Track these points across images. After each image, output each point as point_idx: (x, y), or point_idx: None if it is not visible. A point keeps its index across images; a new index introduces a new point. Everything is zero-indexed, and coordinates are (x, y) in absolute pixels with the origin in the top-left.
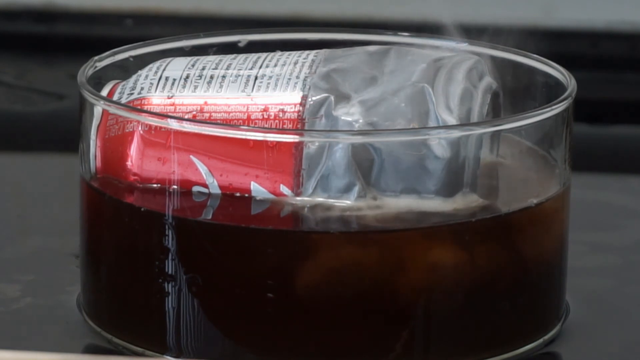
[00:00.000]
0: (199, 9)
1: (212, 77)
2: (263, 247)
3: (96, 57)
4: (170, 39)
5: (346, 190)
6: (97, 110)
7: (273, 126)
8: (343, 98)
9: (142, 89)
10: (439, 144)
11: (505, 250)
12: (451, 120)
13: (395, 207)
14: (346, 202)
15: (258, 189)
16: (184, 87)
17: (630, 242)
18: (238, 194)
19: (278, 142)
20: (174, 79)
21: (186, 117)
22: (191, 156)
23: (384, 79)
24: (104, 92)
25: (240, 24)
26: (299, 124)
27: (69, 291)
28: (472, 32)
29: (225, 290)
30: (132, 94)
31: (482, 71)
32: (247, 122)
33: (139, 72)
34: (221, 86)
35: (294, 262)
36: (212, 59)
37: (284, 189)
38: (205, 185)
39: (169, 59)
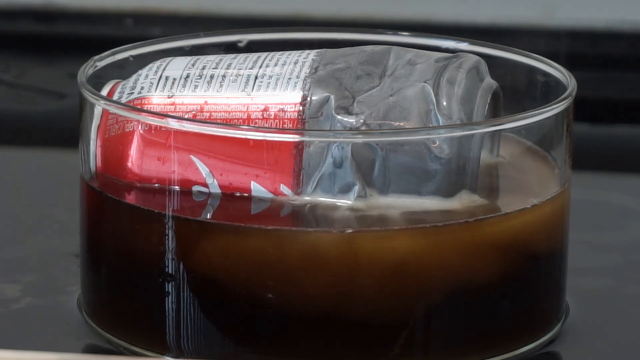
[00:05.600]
0: (199, 9)
1: (212, 76)
2: (263, 246)
3: (96, 57)
4: (170, 39)
5: (346, 190)
6: (97, 109)
7: (273, 126)
8: (343, 98)
9: (142, 88)
10: (439, 143)
11: (505, 250)
12: (451, 120)
13: (395, 207)
14: (346, 202)
15: (258, 189)
16: (184, 86)
17: (630, 242)
18: (238, 194)
19: (278, 142)
20: (174, 79)
21: (186, 116)
22: (191, 156)
23: (384, 79)
24: (104, 92)
25: (240, 24)
26: (299, 124)
27: (69, 291)
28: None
29: (225, 290)
30: (132, 93)
31: (482, 71)
32: (247, 121)
33: (139, 71)
34: (221, 86)
35: (294, 262)
36: (212, 58)
37: (284, 189)
38: (205, 185)
39: (169, 59)
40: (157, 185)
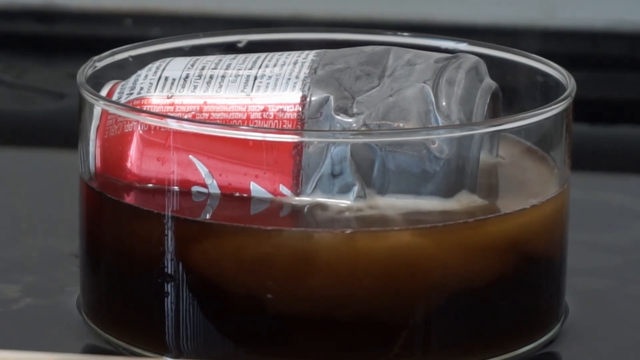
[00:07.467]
0: (199, 9)
1: (211, 77)
2: (263, 247)
3: (96, 57)
4: (170, 39)
5: (345, 190)
6: (97, 110)
7: (272, 126)
8: (343, 98)
9: (141, 88)
10: (438, 144)
11: (504, 250)
12: (450, 120)
13: (394, 208)
14: (345, 202)
15: (257, 189)
16: (183, 87)
17: (630, 242)
18: (237, 194)
19: (277, 142)
20: (174, 79)
21: (185, 117)
22: (190, 156)
23: (384, 79)
24: (104, 92)
25: (240, 24)
26: (299, 124)
27: (69, 292)
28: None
29: (224, 290)
30: (131, 93)
31: (481, 72)
32: (247, 122)
33: (139, 72)
34: (221, 86)
35: (294, 262)
36: (211, 58)
37: (284, 189)
38: (205, 185)
39: (169, 59)
40: (156, 185)
